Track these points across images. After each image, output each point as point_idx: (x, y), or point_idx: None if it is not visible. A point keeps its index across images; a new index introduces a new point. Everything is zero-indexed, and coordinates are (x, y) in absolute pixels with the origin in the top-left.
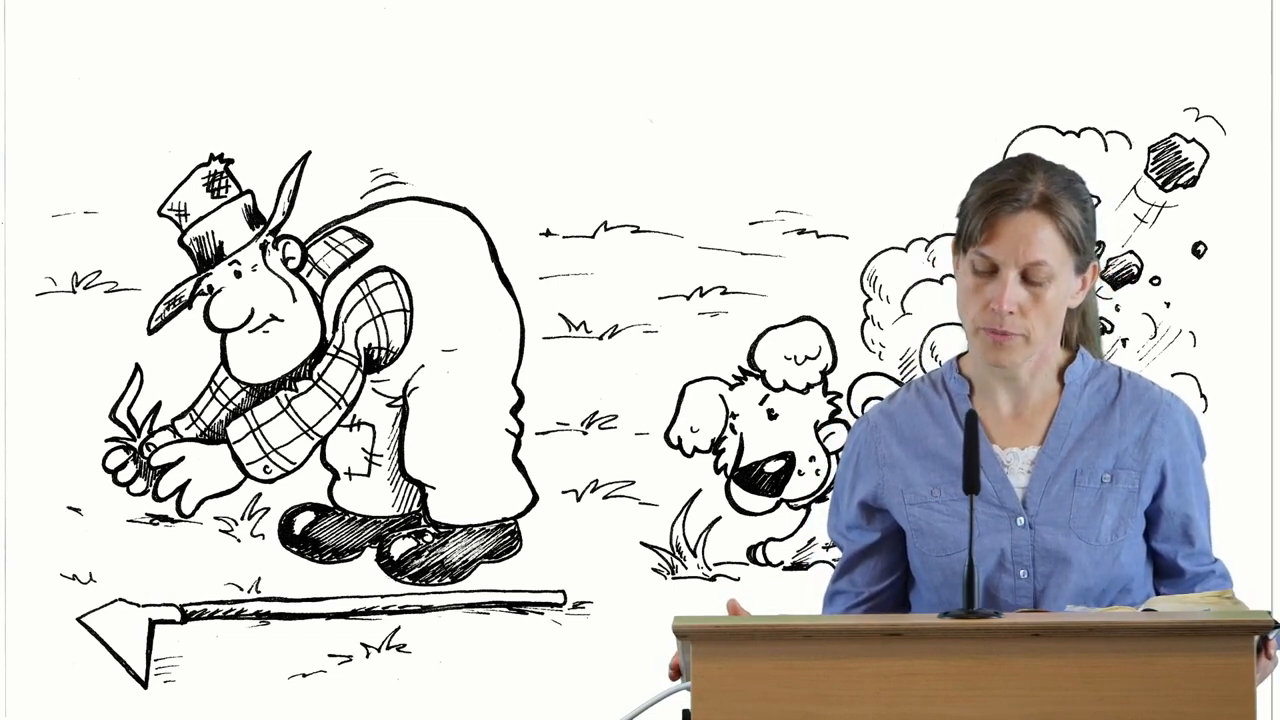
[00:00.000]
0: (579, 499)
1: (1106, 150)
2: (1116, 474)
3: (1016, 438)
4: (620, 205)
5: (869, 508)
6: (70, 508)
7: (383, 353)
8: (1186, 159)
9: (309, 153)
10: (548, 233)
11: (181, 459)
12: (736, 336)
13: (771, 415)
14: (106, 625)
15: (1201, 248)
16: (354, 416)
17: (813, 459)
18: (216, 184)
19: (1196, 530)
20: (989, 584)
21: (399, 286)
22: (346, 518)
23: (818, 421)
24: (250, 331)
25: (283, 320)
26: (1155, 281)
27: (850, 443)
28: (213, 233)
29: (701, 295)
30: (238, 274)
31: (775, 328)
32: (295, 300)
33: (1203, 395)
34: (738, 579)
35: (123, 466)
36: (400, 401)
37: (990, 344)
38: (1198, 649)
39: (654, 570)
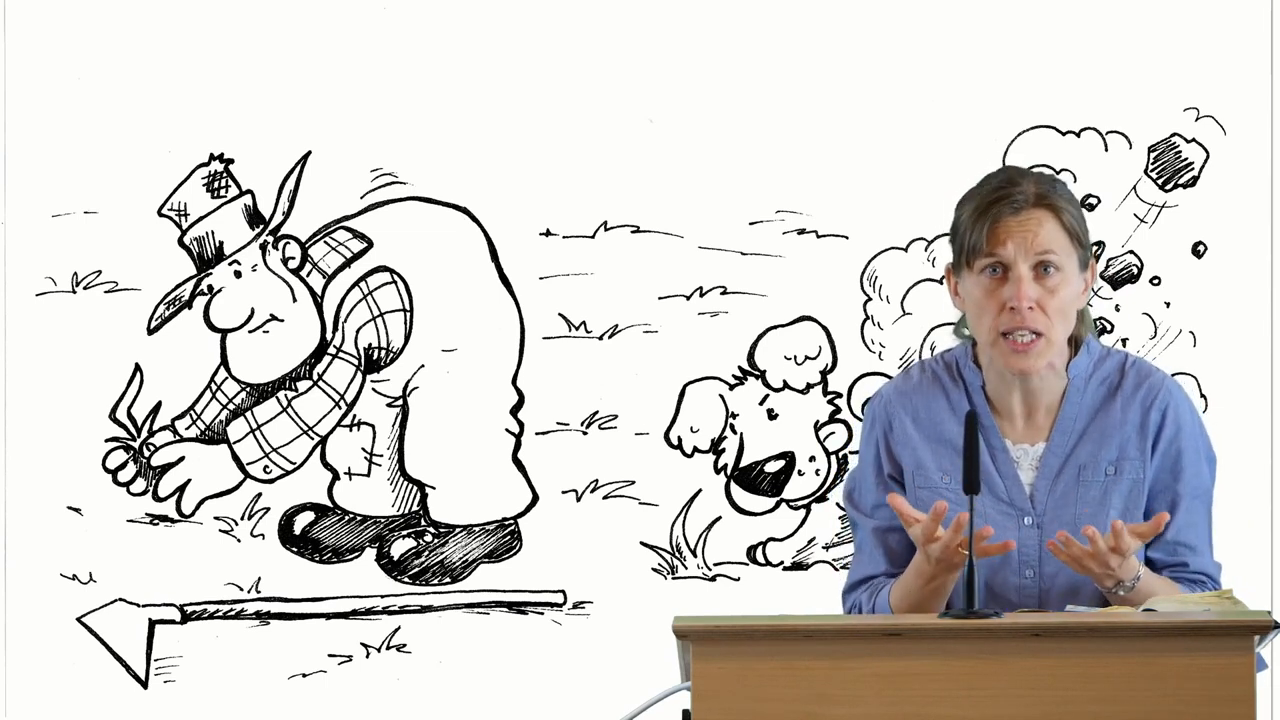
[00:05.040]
0: (579, 499)
1: (1106, 150)
2: (1120, 465)
3: (1026, 434)
4: (620, 205)
5: (899, 482)
6: (70, 508)
7: (383, 353)
8: (1186, 159)
9: (309, 153)
10: (548, 233)
11: (181, 459)
12: (736, 336)
13: (771, 415)
14: (106, 625)
15: (1201, 248)
16: (354, 416)
17: (813, 459)
18: (216, 184)
19: (1176, 520)
20: (995, 582)
21: (399, 286)
22: (346, 518)
23: (818, 421)
24: (250, 331)
25: (283, 320)
26: (1155, 281)
27: (867, 420)
28: (213, 233)
29: (701, 295)
30: (238, 274)
31: (775, 328)
32: (295, 300)
33: (1203, 395)
34: (738, 579)
35: (123, 466)
36: (400, 401)
37: (1011, 352)
38: (1198, 649)
39: (654, 570)
